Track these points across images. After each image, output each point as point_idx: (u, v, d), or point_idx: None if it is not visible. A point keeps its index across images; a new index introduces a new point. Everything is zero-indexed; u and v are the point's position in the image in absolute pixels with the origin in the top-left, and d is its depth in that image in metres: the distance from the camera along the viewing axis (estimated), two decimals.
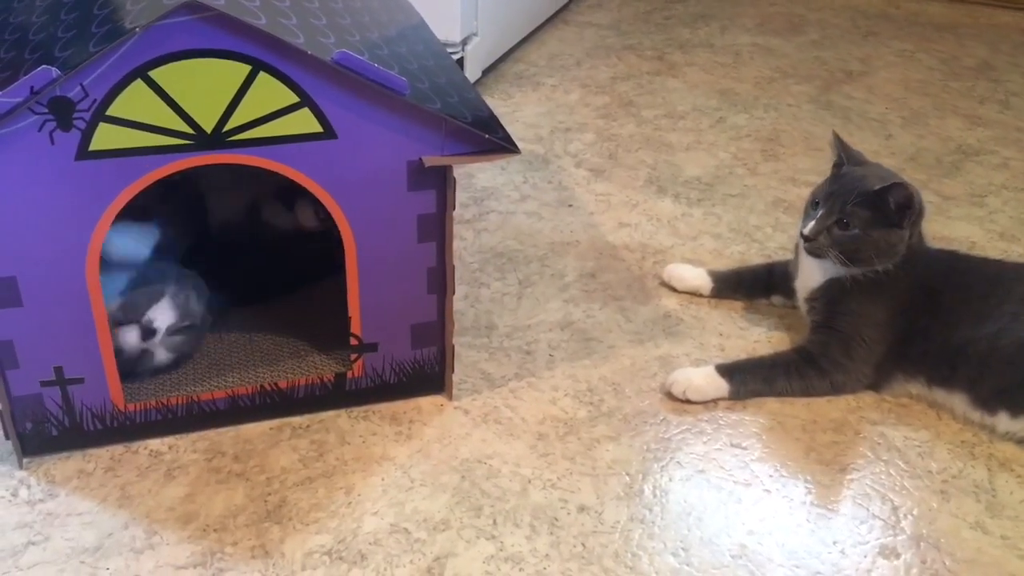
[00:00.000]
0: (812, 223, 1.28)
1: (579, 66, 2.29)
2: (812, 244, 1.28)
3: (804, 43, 2.46)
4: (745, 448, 1.21)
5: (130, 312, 1.19)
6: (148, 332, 1.19)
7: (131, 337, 1.19)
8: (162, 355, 1.22)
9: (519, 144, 1.13)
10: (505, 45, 2.29)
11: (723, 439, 1.23)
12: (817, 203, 1.30)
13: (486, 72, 2.19)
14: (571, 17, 2.62)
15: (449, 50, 1.98)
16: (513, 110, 2.06)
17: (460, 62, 2.04)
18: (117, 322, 1.18)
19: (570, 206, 1.73)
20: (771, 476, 1.17)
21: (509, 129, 1.15)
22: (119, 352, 1.16)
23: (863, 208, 1.25)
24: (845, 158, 1.33)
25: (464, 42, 2.05)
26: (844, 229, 1.26)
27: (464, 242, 1.61)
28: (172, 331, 1.21)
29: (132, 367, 1.20)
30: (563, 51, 2.38)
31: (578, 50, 2.38)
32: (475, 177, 1.80)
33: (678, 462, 1.19)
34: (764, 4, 2.75)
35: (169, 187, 1.12)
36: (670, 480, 1.17)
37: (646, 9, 2.69)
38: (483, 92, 2.11)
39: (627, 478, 1.17)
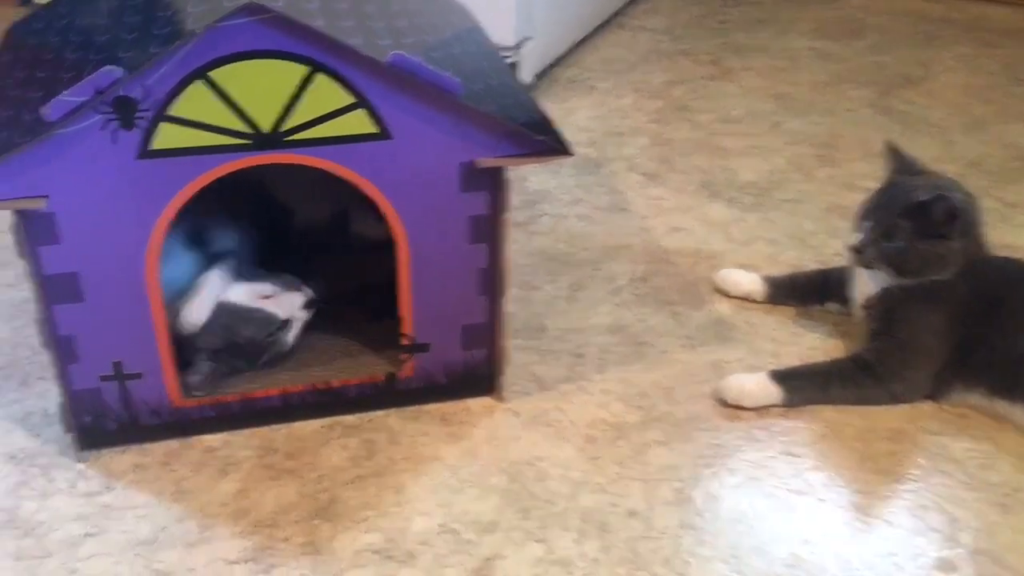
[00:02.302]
0: (860, 235, 1.26)
1: (633, 70, 2.28)
2: (860, 256, 1.26)
3: (862, 47, 2.42)
4: (799, 456, 1.19)
5: (289, 283, 1.23)
6: (310, 303, 1.24)
7: (296, 301, 1.23)
8: (289, 339, 1.24)
9: (561, 136, 1.12)
10: (559, 49, 2.28)
11: (776, 446, 1.21)
12: (867, 214, 1.28)
13: (539, 76, 2.19)
14: (625, 21, 2.61)
15: (503, 54, 1.99)
16: (566, 114, 2.06)
17: (514, 66, 2.04)
18: (263, 295, 1.21)
19: (623, 210, 1.72)
20: (825, 485, 1.15)
21: (553, 123, 1.15)
22: (268, 325, 1.20)
23: (908, 220, 1.22)
24: (898, 167, 1.30)
25: (518, 46, 2.05)
26: (890, 241, 1.24)
27: (516, 244, 1.61)
28: (308, 307, 1.24)
29: (259, 352, 1.22)
30: (617, 55, 2.37)
31: (632, 54, 2.37)
32: (527, 180, 1.80)
33: (730, 469, 1.18)
34: (821, 8, 2.71)
35: (250, 192, 1.15)
36: (721, 487, 1.15)
37: (701, 13, 2.67)
38: (536, 96, 2.11)
39: (678, 484, 1.15)
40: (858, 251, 1.26)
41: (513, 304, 1.46)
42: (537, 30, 2.10)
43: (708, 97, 2.15)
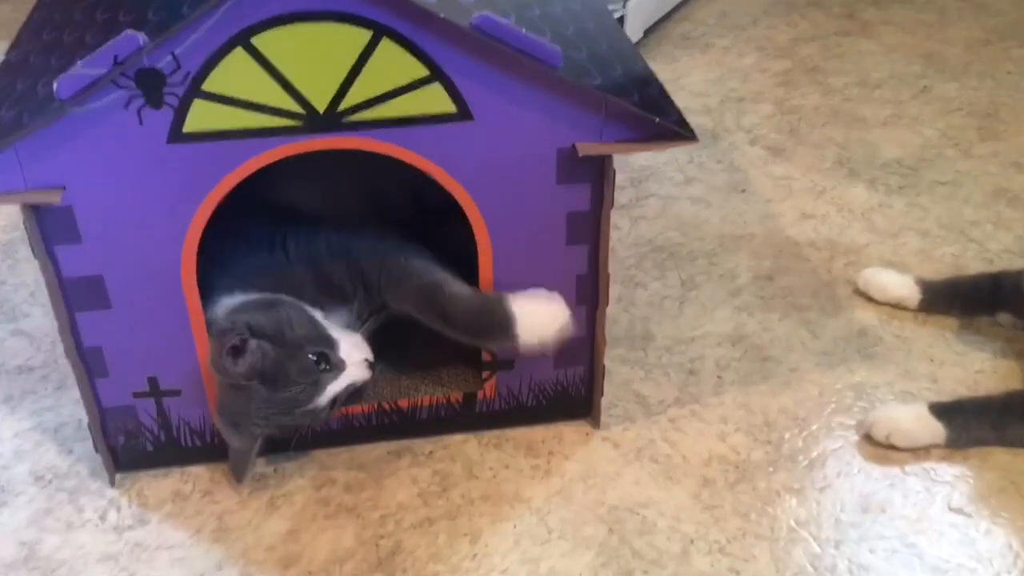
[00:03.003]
0: None
1: (755, 25, 2.01)
2: None
3: None
4: (968, 515, 0.97)
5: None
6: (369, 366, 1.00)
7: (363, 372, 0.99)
8: (322, 402, 0.97)
9: (684, 117, 0.90)
10: (671, 1, 2.04)
11: (939, 502, 0.98)
12: None
13: (648, 32, 1.95)
14: None
15: (610, 6, 1.76)
16: (678, 76, 1.82)
17: (620, 21, 1.81)
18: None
19: (743, 191, 1.48)
20: (1003, 556, 0.92)
21: (673, 99, 0.93)
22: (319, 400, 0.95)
23: None
24: None
25: None
26: None
27: (618, 232, 1.40)
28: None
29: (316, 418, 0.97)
30: (736, 8, 2.10)
31: (754, 7, 2.10)
32: (632, 155, 1.57)
33: (881, 529, 0.96)
34: None
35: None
36: (871, 553, 0.93)
37: None
38: (644, 56, 1.87)
39: (815, 547, 0.94)
40: None
41: (613, 306, 1.24)
42: None
43: (842, 56, 1.87)
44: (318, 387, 0.95)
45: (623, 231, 1.40)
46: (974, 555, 0.93)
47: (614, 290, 1.28)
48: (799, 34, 1.97)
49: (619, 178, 1.52)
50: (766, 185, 1.50)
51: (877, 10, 2.06)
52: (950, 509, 0.98)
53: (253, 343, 0.92)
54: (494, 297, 0.96)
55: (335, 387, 0.96)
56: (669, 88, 0.97)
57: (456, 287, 0.96)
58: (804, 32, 1.98)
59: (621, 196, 1.48)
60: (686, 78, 1.82)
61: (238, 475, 1.00)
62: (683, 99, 1.72)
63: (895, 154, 1.56)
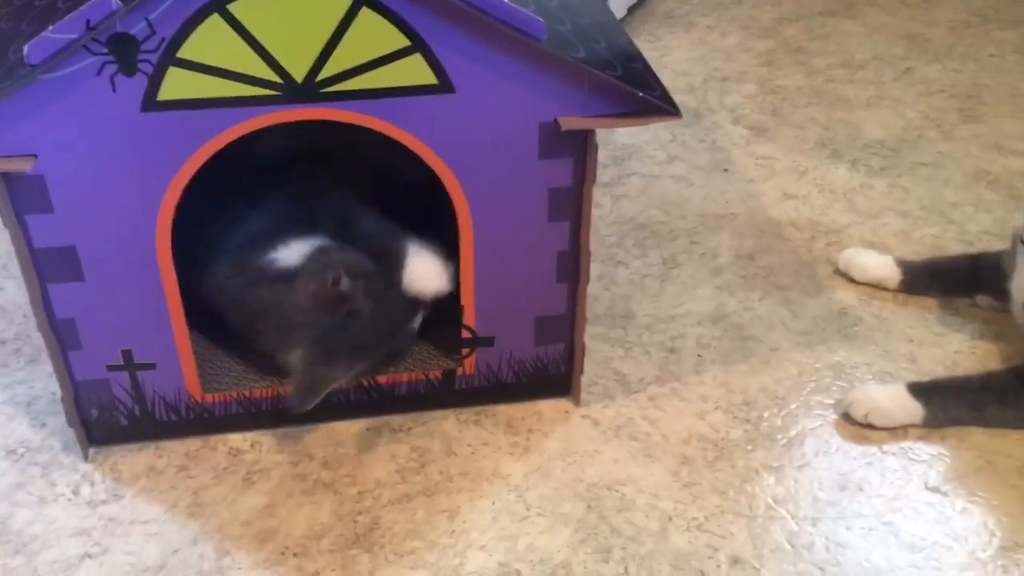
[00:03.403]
0: None
1: (739, 4, 2.00)
2: None
3: None
4: (945, 494, 0.97)
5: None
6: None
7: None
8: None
9: (668, 92, 0.90)
10: None
11: (915, 480, 0.99)
12: None
13: (631, 10, 1.93)
14: None
15: None
16: (661, 54, 1.81)
17: None
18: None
19: (725, 171, 1.48)
20: (978, 535, 0.93)
21: (657, 75, 0.92)
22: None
23: None
24: None
25: None
26: None
27: (600, 210, 1.39)
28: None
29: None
30: None
31: None
32: (615, 133, 1.56)
33: (858, 507, 0.96)
34: None
35: None
36: (848, 531, 0.94)
37: None
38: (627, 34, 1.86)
39: (793, 524, 0.94)
40: None
41: (594, 284, 1.24)
42: None
43: (826, 37, 1.87)
44: (415, 308, 1.00)
45: (605, 209, 1.40)
46: (950, 533, 0.93)
47: (595, 268, 1.27)
48: (783, 14, 1.96)
49: (601, 156, 1.50)
50: (748, 165, 1.50)
51: None
52: (927, 488, 0.98)
53: (349, 278, 0.95)
54: (395, 245, 0.99)
55: (422, 309, 1.01)
56: (653, 67, 0.96)
57: (371, 222, 1.02)
58: (788, 12, 1.97)
59: (603, 174, 1.47)
60: (669, 57, 1.81)
61: (307, 402, 0.95)
62: (666, 78, 1.69)
63: (877, 135, 1.56)
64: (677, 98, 1.64)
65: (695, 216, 1.38)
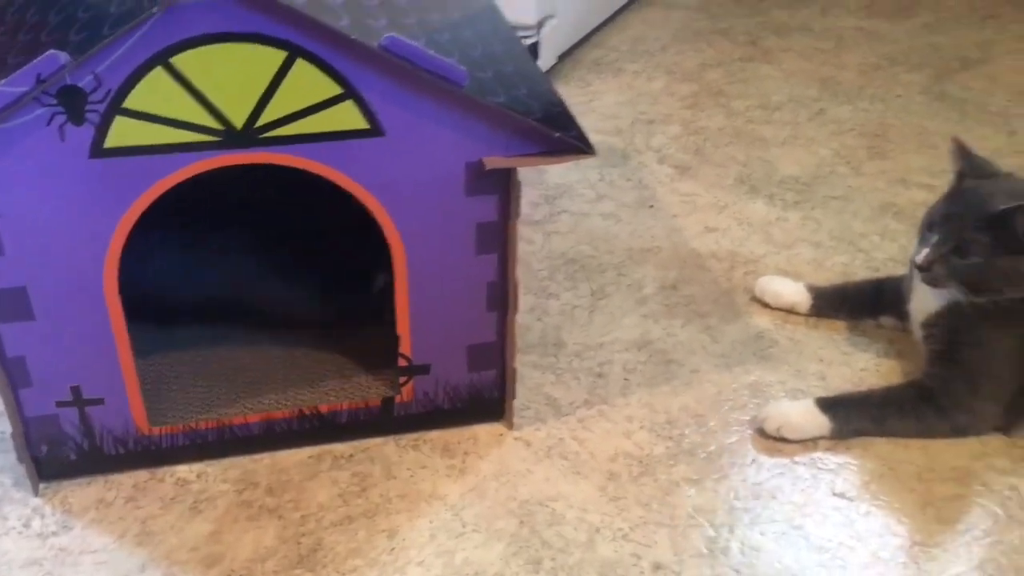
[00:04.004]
0: (926, 250, 1.10)
1: (664, 51, 2.11)
2: (928, 274, 1.10)
3: (915, 27, 2.23)
4: (850, 499, 1.05)
5: None
6: None
7: None
8: None
9: (595, 137, 0.98)
10: (584, 28, 2.12)
11: (823, 487, 1.06)
12: (933, 225, 1.12)
13: (562, 57, 2.03)
14: None
15: (523, 34, 1.83)
16: (591, 99, 1.90)
17: (535, 47, 1.88)
18: None
19: (651, 207, 1.57)
20: (881, 536, 1.00)
21: (586, 120, 1.01)
22: None
23: (984, 233, 1.06)
24: (967, 169, 1.13)
25: (540, 25, 1.89)
26: (963, 258, 1.07)
27: (532, 246, 1.46)
28: None
29: None
30: (647, 35, 2.20)
31: (664, 34, 2.20)
32: (546, 173, 1.64)
33: (771, 514, 1.03)
34: None
35: None
36: (762, 535, 1.01)
37: None
38: (559, 80, 1.95)
39: (711, 531, 1.01)
40: (925, 268, 1.10)
41: (526, 315, 1.31)
42: (560, 8, 1.94)
43: (746, 81, 1.98)
44: None
45: (537, 245, 1.47)
46: (854, 535, 1.01)
47: (528, 300, 1.34)
48: (706, 60, 2.07)
49: (533, 195, 1.59)
50: (672, 201, 1.58)
51: (778, 38, 2.17)
52: (834, 494, 1.05)
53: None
54: None
55: None
56: (582, 110, 1.04)
57: None
58: (710, 58, 2.08)
59: (535, 212, 1.54)
60: (598, 101, 1.90)
61: None
62: (595, 121, 1.80)
63: (792, 171, 1.66)
64: (606, 140, 1.74)
65: (622, 250, 1.46)
